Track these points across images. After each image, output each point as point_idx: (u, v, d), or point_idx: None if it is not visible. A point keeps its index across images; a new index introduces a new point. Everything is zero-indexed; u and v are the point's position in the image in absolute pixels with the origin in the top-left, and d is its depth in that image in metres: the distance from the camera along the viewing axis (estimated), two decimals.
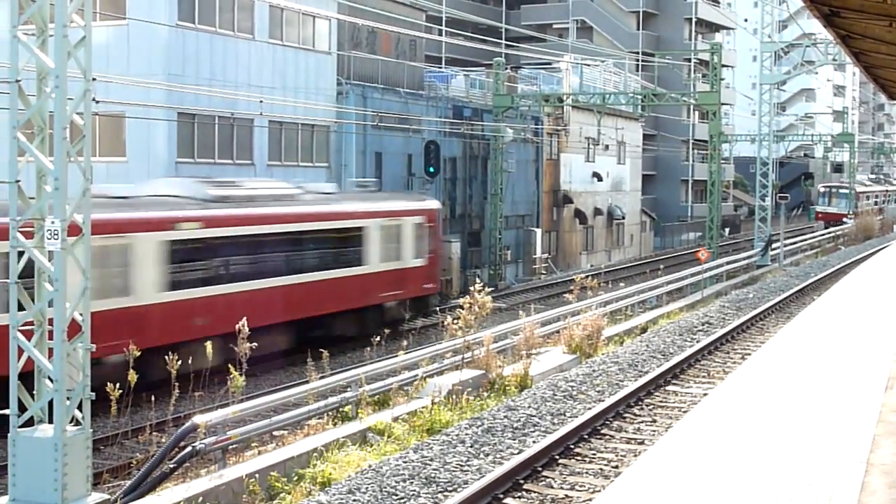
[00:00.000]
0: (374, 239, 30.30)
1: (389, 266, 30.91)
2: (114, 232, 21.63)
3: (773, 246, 50.74)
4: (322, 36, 38.88)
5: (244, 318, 15.88)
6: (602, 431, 15.89)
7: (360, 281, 29.47)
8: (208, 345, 15.50)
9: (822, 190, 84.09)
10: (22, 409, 12.04)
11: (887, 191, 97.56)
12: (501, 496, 12.62)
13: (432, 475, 13.40)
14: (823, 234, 69.16)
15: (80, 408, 11.95)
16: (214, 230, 24.38)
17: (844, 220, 75.81)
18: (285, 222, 26.96)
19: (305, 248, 27.86)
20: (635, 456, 14.14)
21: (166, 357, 14.79)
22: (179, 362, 15.07)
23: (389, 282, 30.80)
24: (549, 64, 59.38)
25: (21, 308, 12.07)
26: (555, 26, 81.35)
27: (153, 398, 16.35)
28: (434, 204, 35.00)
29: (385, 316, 30.12)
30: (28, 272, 12.20)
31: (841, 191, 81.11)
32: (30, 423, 12.06)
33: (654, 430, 15.91)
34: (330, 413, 17.23)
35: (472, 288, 20.02)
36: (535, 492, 12.91)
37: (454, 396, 18.09)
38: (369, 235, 30.16)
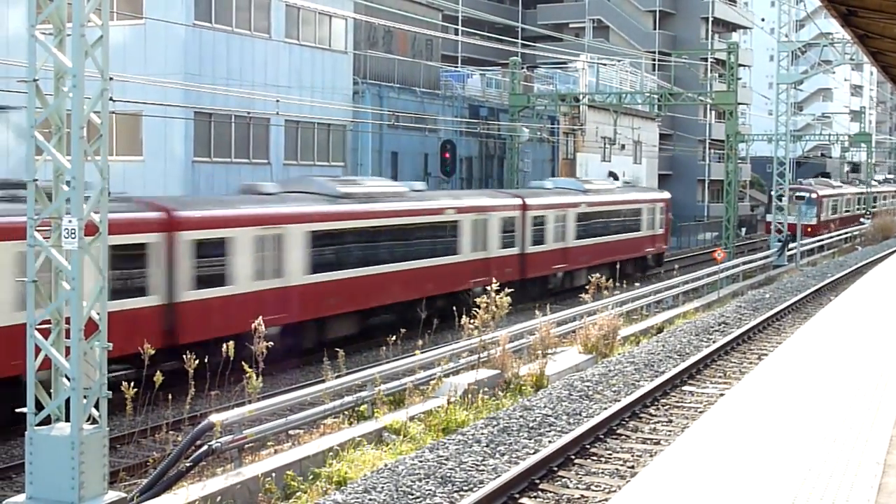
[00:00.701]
0: (644, 215, 48.15)
1: (648, 233, 48.82)
2: (559, 208, 40.18)
3: (790, 246, 50.55)
4: (338, 35, 38.93)
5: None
6: (618, 431, 15.86)
7: (638, 240, 47.80)
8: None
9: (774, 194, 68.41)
10: (39, 407, 12.07)
11: (863, 194, 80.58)
12: (517, 496, 12.61)
13: (448, 474, 13.39)
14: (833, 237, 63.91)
15: (96, 406, 11.98)
16: (589, 208, 42.56)
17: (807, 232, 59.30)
18: (613, 205, 45.34)
19: (619, 219, 45.72)
20: (651, 456, 14.11)
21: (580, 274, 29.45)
22: (198, 360, 15.16)
23: (647, 242, 48.83)
24: (566, 63, 59.36)
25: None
26: (571, 25, 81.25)
27: (170, 397, 16.39)
28: (667, 194, 53.42)
29: (645, 263, 48.36)
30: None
31: (798, 195, 62.74)
32: (47, 421, 12.10)
33: (671, 431, 15.88)
34: (346, 412, 17.23)
35: (488, 288, 20.02)
36: (550, 492, 12.89)
37: (470, 396, 18.07)
38: (642, 213, 48.12)
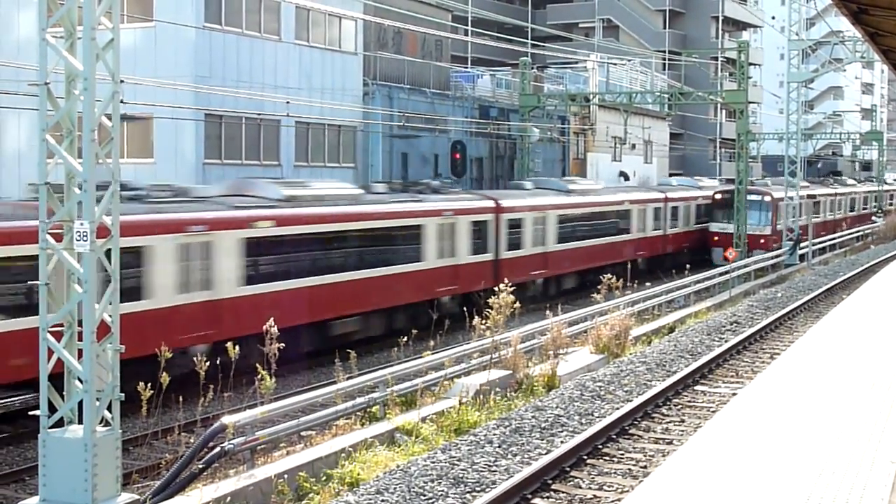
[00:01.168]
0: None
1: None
2: (686, 200, 51.74)
3: (802, 245, 50.41)
4: (348, 37, 38.95)
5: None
6: (630, 431, 15.84)
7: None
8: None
9: (717, 198, 53.06)
10: (52, 409, 12.10)
11: (836, 194, 66.35)
12: (530, 496, 12.61)
13: (460, 475, 13.39)
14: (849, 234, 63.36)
15: (109, 408, 12.00)
16: (703, 201, 53.01)
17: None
18: (697, 200, 54.34)
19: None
20: (664, 456, 14.08)
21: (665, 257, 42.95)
22: (208, 363, 15.22)
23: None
24: (576, 63, 59.30)
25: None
26: (581, 25, 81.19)
27: (181, 399, 16.41)
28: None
29: None
30: None
31: (749, 199, 47.83)
32: (60, 423, 12.12)
33: (683, 430, 15.85)
34: (358, 413, 17.22)
35: (498, 288, 20.01)
36: (563, 492, 12.88)
37: (482, 396, 18.07)
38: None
